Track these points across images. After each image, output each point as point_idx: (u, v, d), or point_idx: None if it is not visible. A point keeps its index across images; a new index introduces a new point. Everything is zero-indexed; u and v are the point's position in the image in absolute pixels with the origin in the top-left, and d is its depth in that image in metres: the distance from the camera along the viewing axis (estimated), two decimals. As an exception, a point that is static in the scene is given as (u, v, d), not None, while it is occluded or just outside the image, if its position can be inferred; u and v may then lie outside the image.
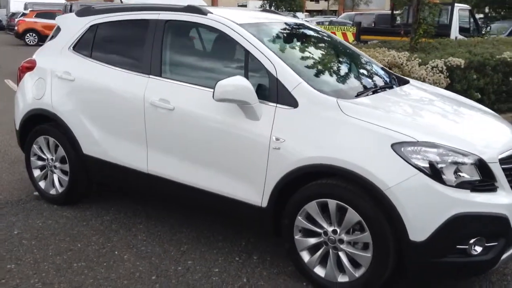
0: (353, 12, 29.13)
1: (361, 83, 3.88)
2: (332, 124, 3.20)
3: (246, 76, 3.50)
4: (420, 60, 7.94)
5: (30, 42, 24.33)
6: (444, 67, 7.78)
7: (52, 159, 4.61)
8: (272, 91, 3.40)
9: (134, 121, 3.98)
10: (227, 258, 3.78)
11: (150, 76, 3.93)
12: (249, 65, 3.54)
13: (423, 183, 2.90)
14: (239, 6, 43.53)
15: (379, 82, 4.01)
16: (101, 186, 4.91)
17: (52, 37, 4.76)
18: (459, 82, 7.89)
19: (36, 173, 4.77)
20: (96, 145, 4.25)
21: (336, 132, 3.17)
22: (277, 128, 3.32)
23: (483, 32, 15.00)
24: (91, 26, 4.41)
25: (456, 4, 14.05)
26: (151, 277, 3.51)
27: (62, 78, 4.41)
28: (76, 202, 4.69)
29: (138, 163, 4.03)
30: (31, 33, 24.46)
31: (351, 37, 12.42)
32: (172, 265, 3.67)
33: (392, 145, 2.98)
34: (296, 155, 3.23)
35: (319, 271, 3.32)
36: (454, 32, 14.09)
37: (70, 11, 18.23)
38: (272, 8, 43.05)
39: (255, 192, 3.46)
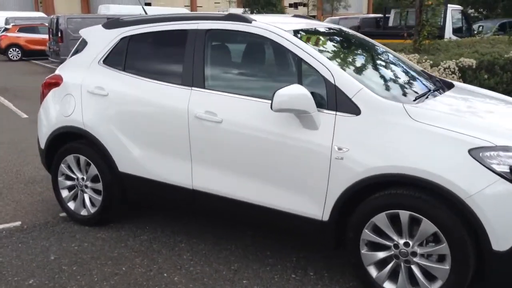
0: (337, 17, 29.20)
1: (414, 87, 3.77)
2: (401, 130, 3.07)
3: (300, 84, 3.36)
4: (431, 62, 7.89)
5: (13, 58, 23.85)
6: (456, 68, 7.74)
7: (83, 179, 4.40)
8: (330, 99, 3.27)
9: (177, 135, 3.81)
10: (282, 275, 3.62)
11: (193, 88, 3.77)
12: (303, 72, 3.40)
13: (505, 190, 2.78)
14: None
15: (429, 86, 3.91)
16: (133, 204, 4.71)
17: (77, 51, 4.56)
18: (471, 83, 7.85)
19: (65, 193, 4.56)
20: (133, 162, 4.06)
21: (406, 139, 3.04)
22: (339, 137, 3.18)
23: (475, 32, 15.11)
24: (122, 39, 4.23)
25: (448, 5, 14.13)
26: (209, 299, 3.34)
27: (93, 94, 4.21)
28: (107, 222, 4.48)
29: (181, 179, 3.85)
30: (14, 48, 23.97)
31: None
32: (228, 286, 3.50)
33: (470, 151, 2.86)
34: (363, 165, 3.09)
35: (389, 286, 3.17)
36: (448, 33, 14.18)
37: (57, 24, 17.91)
38: (254, 15, 42.99)
39: (315, 205, 3.31)
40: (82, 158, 4.33)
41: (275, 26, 3.60)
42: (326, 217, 3.29)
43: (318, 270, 3.68)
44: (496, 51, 8.52)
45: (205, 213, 4.36)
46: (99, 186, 4.30)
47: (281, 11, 46.55)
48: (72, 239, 4.26)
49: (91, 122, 4.20)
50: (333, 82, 3.27)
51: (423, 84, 3.91)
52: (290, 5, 54.62)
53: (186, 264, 3.81)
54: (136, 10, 24.71)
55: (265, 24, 3.62)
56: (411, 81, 3.90)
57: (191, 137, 3.73)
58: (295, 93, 3.16)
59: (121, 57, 4.21)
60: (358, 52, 4.11)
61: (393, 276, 3.17)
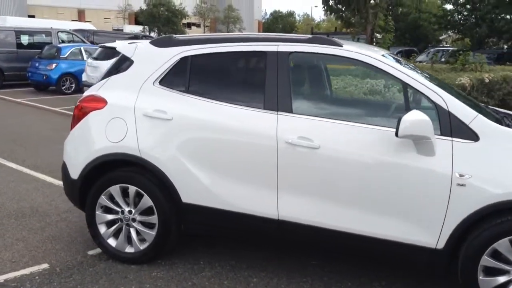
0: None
1: (491, 112, 3.87)
2: None
3: (408, 109, 3.32)
4: (398, 87, 8.25)
5: None
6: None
7: (130, 211, 3.95)
8: (444, 125, 3.26)
9: (261, 162, 3.57)
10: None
11: (280, 112, 3.56)
12: (410, 98, 3.36)
13: None
14: (114, 30, 42.10)
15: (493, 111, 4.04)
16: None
17: (118, 71, 4.10)
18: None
19: (103, 229, 4.05)
20: (203, 192, 3.73)
21: None
22: (459, 164, 3.18)
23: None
24: (182, 58, 3.89)
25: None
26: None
27: (152, 117, 3.82)
28: (153, 258, 4.05)
29: (264, 208, 3.61)
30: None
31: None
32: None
33: None
34: (488, 191, 3.12)
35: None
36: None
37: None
38: (154, 33, 42.30)
39: (429, 233, 3.27)
40: (132, 189, 3.89)
41: (367, 51, 3.54)
42: (441, 245, 3.25)
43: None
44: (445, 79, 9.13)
45: (292, 244, 4.13)
46: (153, 219, 3.89)
47: (181, 29, 46.44)
48: (126, 280, 3.79)
49: (150, 148, 3.80)
50: (446, 108, 3.27)
51: (491, 109, 4.04)
52: (183, 25, 54.50)
53: (274, 300, 3.55)
54: (41, 24, 23.07)
55: (358, 49, 3.55)
56: (481, 105, 4.01)
57: (280, 164, 3.52)
58: (418, 119, 3.11)
59: (183, 78, 3.87)
60: (434, 80, 4.16)
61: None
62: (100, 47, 13.64)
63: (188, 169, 3.73)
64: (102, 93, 4.04)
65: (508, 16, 21.76)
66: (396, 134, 3.14)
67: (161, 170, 3.77)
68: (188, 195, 3.76)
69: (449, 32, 35.29)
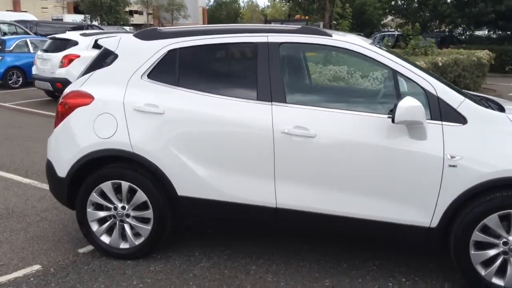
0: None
1: (477, 98, 4.02)
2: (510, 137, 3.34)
3: (399, 96, 3.46)
4: (361, 73, 8.47)
5: None
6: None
7: (123, 207, 3.91)
8: (433, 110, 3.42)
9: (257, 152, 3.63)
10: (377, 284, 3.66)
11: (273, 103, 3.62)
12: (399, 85, 3.49)
13: None
14: (53, 19, 40.65)
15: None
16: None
17: (101, 65, 4.03)
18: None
19: (95, 227, 4.00)
20: (198, 184, 3.74)
21: None
22: (450, 146, 3.35)
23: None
24: (170, 51, 3.86)
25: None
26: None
27: (143, 112, 3.79)
28: (148, 253, 4.05)
29: (262, 198, 3.67)
30: None
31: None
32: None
33: None
34: (478, 171, 3.30)
35: (498, 281, 3.42)
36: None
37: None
38: (97, 22, 41.16)
39: (423, 213, 3.44)
40: (125, 184, 3.85)
41: (356, 40, 3.64)
42: (434, 224, 3.43)
43: (411, 276, 3.77)
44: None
45: (290, 231, 4.21)
46: (148, 214, 3.88)
47: (124, 18, 45.42)
48: (125, 276, 3.77)
49: (142, 143, 3.77)
50: (435, 93, 3.43)
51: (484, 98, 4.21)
52: (125, 13, 53.20)
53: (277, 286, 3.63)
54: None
55: (347, 38, 3.64)
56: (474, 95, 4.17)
57: (277, 154, 3.58)
58: (412, 105, 3.25)
59: (172, 71, 3.85)
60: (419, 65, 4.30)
61: (500, 271, 3.42)
62: (50, 38, 13.17)
63: (182, 162, 3.73)
64: (87, 88, 3.96)
65: (449, 0, 22.62)
66: (393, 120, 3.26)
67: (155, 164, 3.76)
68: (183, 188, 3.77)
69: (389, 17, 36.27)
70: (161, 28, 4.11)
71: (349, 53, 3.65)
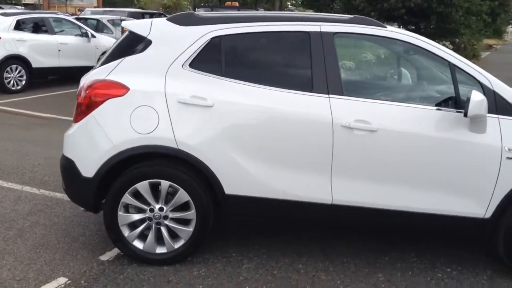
0: (101, 9, 27.73)
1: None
2: None
3: (457, 89, 3.49)
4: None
5: None
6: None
7: (161, 209, 3.58)
8: (490, 103, 3.47)
9: (315, 147, 3.48)
10: (429, 276, 3.69)
11: (331, 95, 3.49)
12: (457, 78, 3.52)
13: None
14: None
15: None
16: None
17: (131, 52, 3.63)
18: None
19: (126, 231, 3.62)
20: (250, 182, 3.52)
21: None
22: (507, 139, 3.44)
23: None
24: (213, 38, 3.57)
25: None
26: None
27: (189, 104, 3.47)
28: (187, 257, 3.75)
29: (317, 194, 3.53)
30: None
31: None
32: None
33: None
34: None
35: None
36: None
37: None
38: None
39: (478, 204, 3.51)
40: (165, 184, 3.52)
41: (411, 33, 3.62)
42: (488, 215, 3.51)
43: (453, 266, 3.83)
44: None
45: (343, 227, 4.10)
46: (189, 215, 3.58)
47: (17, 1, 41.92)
48: (171, 284, 3.46)
49: (188, 139, 3.46)
50: (491, 87, 3.50)
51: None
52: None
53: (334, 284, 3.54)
54: None
55: (401, 30, 3.60)
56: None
57: (335, 148, 3.46)
58: (480, 98, 3.28)
59: (216, 60, 3.57)
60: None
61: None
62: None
63: (232, 158, 3.48)
64: (117, 78, 3.54)
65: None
66: (465, 115, 3.27)
67: (202, 161, 3.47)
68: (232, 186, 3.52)
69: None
70: (199, 13, 3.78)
71: (405, 45, 3.61)
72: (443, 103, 3.51)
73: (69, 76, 12.83)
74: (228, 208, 3.59)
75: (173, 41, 3.59)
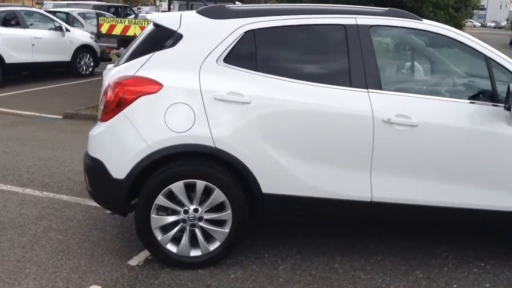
0: (64, 2, 26.83)
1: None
2: None
3: (493, 83, 3.47)
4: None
5: None
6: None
7: (195, 210, 3.44)
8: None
9: (355, 143, 3.40)
10: (465, 270, 3.69)
11: (370, 90, 3.42)
12: (494, 72, 3.50)
13: None
14: None
15: None
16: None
17: (161, 46, 3.46)
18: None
19: (159, 235, 3.47)
20: (288, 180, 3.42)
21: None
22: None
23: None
24: (246, 32, 3.44)
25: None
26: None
27: (226, 101, 3.34)
28: (222, 259, 3.63)
29: (357, 191, 3.46)
30: None
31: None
32: (445, 293, 3.40)
33: None
34: None
35: None
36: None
37: None
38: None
39: None
40: (201, 184, 3.38)
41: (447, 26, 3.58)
42: None
43: (485, 260, 3.82)
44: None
45: (381, 223, 4.04)
46: (225, 215, 3.45)
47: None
48: (210, 288, 3.33)
49: (226, 137, 3.32)
50: (527, 81, 3.49)
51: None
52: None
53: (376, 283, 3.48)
54: None
55: (437, 23, 3.56)
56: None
57: (376, 144, 3.40)
58: None
59: (250, 55, 3.44)
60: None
61: None
62: None
63: (270, 156, 3.37)
64: (149, 73, 3.37)
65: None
66: (509, 108, 3.25)
67: (240, 160, 3.35)
68: (269, 185, 3.41)
69: None
70: (229, 5, 3.64)
71: (442, 38, 3.56)
72: (479, 97, 3.48)
73: (43, 71, 12.39)
74: (265, 208, 3.48)
75: (206, 35, 3.44)
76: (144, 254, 3.73)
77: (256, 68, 3.41)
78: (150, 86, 3.32)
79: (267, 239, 3.99)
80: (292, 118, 3.37)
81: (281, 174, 3.40)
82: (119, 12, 23.21)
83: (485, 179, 3.47)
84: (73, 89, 11.40)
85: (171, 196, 3.40)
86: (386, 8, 3.65)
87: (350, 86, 3.41)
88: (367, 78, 3.41)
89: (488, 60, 3.49)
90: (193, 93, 3.32)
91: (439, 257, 3.84)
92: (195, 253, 3.51)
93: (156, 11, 36.68)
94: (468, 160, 3.42)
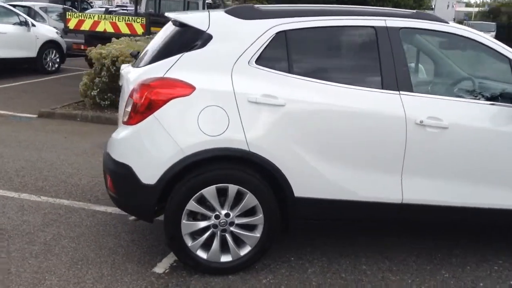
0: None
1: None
2: None
3: (517, 86, 3.56)
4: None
5: None
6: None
7: (227, 214, 3.36)
8: None
9: (388, 145, 3.41)
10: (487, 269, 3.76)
11: (401, 92, 3.43)
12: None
13: None
14: None
15: None
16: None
17: (190, 47, 3.35)
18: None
19: (189, 241, 3.37)
20: (321, 183, 3.38)
21: None
22: None
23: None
24: (278, 33, 3.38)
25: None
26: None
27: (260, 104, 3.26)
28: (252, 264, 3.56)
29: (388, 193, 3.47)
30: None
31: (140, 29, 11.50)
32: None
33: None
34: None
35: None
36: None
37: None
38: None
39: None
40: (233, 188, 3.30)
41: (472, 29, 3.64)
42: None
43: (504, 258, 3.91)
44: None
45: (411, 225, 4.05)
46: (257, 220, 3.39)
47: None
48: (246, 295, 3.26)
49: (260, 140, 3.25)
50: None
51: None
52: None
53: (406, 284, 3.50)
54: None
55: (464, 26, 3.61)
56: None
57: (408, 146, 3.41)
58: None
59: (282, 57, 3.38)
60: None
61: None
62: None
63: (304, 159, 3.33)
64: (180, 75, 3.26)
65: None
66: None
67: (273, 164, 3.28)
68: (302, 189, 3.37)
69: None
70: (258, 6, 3.56)
71: (467, 41, 3.61)
72: (506, 99, 3.55)
73: (8, 68, 11.86)
74: (296, 211, 3.43)
75: (236, 36, 3.35)
76: (168, 260, 3.62)
77: (288, 70, 3.35)
78: (182, 88, 3.21)
79: (290, 242, 3.94)
80: (326, 121, 3.34)
81: (314, 177, 3.36)
82: (76, 6, 22.51)
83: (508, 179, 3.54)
84: (41, 86, 10.98)
85: (202, 201, 3.30)
86: (414, 11, 3.66)
87: (382, 88, 3.40)
88: (398, 80, 3.41)
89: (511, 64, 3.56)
90: (226, 95, 3.23)
91: (458, 257, 3.90)
92: (225, 258, 3.42)
93: (109, 5, 35.65)
94: (498, 162, 3.50)
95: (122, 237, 3.98)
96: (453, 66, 3.87)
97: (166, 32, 3.60)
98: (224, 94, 3.23)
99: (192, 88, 3.20)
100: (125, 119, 3.33)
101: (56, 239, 3.90)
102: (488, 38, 3.58)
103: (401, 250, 3.94)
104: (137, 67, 3.54)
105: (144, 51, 3.75)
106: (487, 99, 3.59)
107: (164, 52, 3.40)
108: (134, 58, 4.16)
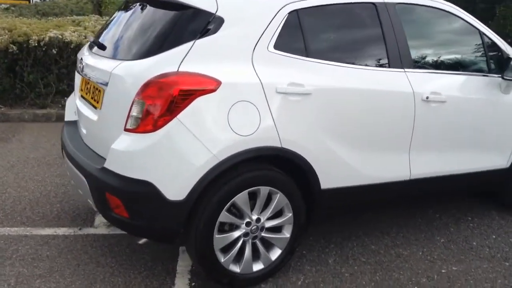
0: None
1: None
2: None
3: (487, 57, 3.82)
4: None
5: None
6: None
7: (258, 219, 3.04)
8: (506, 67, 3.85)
9: (402, 125, 3.39)
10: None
11: (406, 70, 3.42)
12: (486, 47, 3.83)
13: None
14: None
15: None
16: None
17: (201, 33, 2.84)
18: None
19: (221, 256, 2.97)
20: (344, 172, 3.23)
21: None
22: None
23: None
24: (290, 13, 3.06)
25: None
26: None
27: (288, 93, 2.95)
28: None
29: (399, 172, 3.48)
30: None
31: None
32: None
33: None
34: None
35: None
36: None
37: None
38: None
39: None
40: (265, 190, 2.97)
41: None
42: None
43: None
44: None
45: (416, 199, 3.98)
46: (287, 220, 3.13)
47: None
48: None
49: (291, 134, 2.95)
50: (510, 55, 3.89)
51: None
52: None
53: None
54: None
55: (448, 2, 3.71)
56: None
57: (416, 123, 3.44)
58: None
59: (296, 39, 3.06)
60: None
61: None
62: None
63: (330, 150, 3.14)
64: (197, 68, 2.74)
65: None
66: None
67: (305, 158, 3.03)
68: (327, 180, 3.18)
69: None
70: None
71: (450, 16, 3.71)
72: (492, 70, 3.81)
73: None
74: (322, 204, 3.24)
75: (249, 18, 2.94)
76: (183, 281, 3.16)
77: (304, 53, 3.06)
78: (207, 83, 2.72)
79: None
80: (352, 106, 3.17)
81: (338, 166, 3.20)
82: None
83: (495, 144, 3.89)
84: None
85: (233, 210, 2.92)
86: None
87: (389, 66, 3.34)
88: (402, 58, 3.38)
89: (482, 35, 3.78)
90: (254, 88, 2.83)
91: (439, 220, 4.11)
92: (257, 267, 3.10)
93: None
94: (485, 128, 3.80)
95: (101, 263, 3.35)
96: (441, 40, 3.95)
97: (158, 14, 3.00)
98: (251, 87, 2.83)
99: (218, 82, 2.74)
100: (133, 126, 2.72)
101: (24, 282, 3.11)
102: (464, 13, 3.73)
103: (387, 225, 4.01)
104: (116, 58, 2.93)
105: (107, 35, 3.16)
106: (473, 70, 3.77)
107: (166, 39, 2.82)
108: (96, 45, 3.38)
